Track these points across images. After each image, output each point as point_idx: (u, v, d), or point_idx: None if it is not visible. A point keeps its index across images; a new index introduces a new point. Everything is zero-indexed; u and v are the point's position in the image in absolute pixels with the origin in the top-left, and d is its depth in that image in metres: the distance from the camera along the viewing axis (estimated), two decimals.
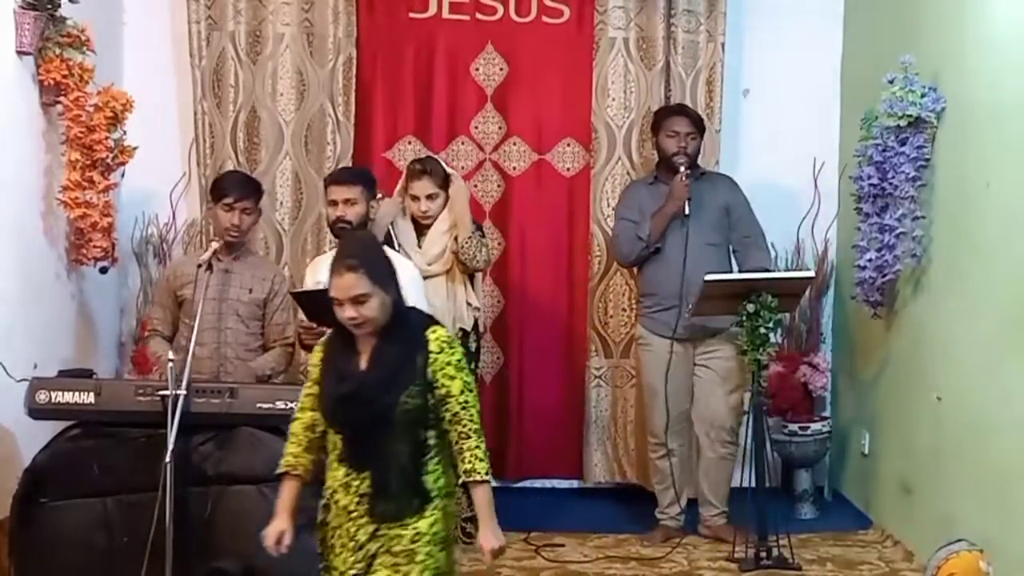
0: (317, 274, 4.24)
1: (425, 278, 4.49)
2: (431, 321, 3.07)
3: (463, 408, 2.97)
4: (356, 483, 2.94)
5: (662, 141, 4.95)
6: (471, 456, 2.96)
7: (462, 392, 2.97)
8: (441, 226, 4.68)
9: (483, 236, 4.79)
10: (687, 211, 4.80)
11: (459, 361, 2.99)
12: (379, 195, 4.58)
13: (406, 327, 3.01)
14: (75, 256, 4.64)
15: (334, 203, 4.18)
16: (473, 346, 4.76)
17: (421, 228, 4.69)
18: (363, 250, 3.05)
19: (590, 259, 5.61)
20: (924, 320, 4.70)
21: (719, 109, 5.54)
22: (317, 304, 4.01)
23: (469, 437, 2.97)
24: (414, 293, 4.17)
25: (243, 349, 4.27)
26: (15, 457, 4.06)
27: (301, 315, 4.24)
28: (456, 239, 4.62)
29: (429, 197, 4.62)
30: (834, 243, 5.60)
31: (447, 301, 4.63)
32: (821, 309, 5.65)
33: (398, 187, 4.78)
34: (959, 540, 3.76)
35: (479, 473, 2.96)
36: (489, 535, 2.97)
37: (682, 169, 4.83)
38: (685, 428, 5.04)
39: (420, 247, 4.66)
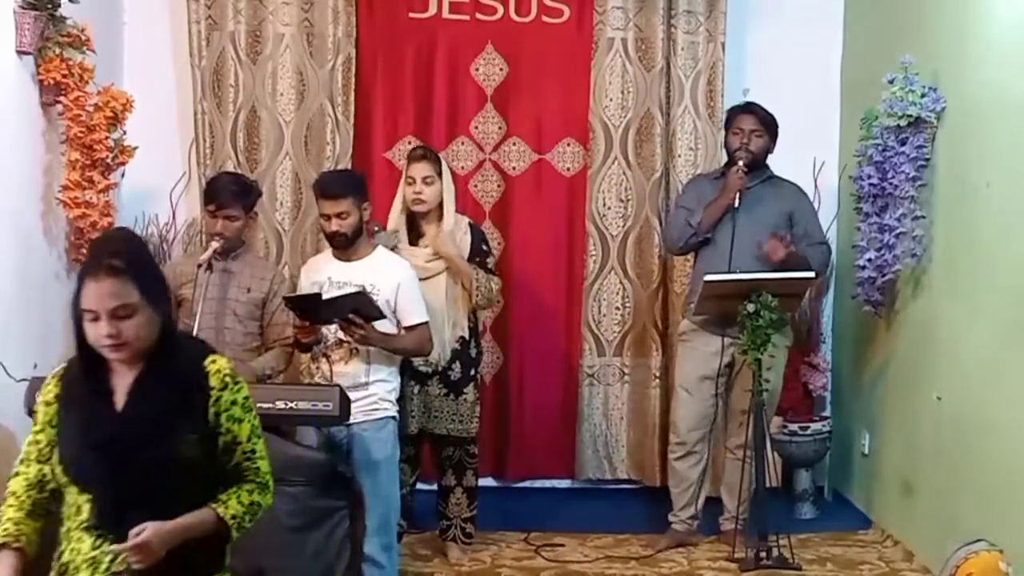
0: (312, 275, 4.22)
1: (424, 278, 4.42)
2: (208, 349, 2.47)
3: (248, 459, 2.41)
4: (109, 559, 2.28)
5: (728, 138, 4.95)
6: (236, 493, 2.38)
7: (250, 438, 2.40)
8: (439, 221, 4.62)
9: (489, 270, 4.68)
10: (737, 204, 4.79)
11: (246, 400, 2.41)
12: (376, 228, 4.50)
13: (177, 355, 2.37)
14: (75, 256, 4.63)
15: (326, 216, 4.11)
16: (474, 352, 4.72)
17: (417, 228, 4.62)
18: (130, 250, 2.37)
19: (585, 258, 5.60)
20: (924, 320, 4.70)
21: (719, 109, 5.53)
22: (310, 308, 4.02)
23: (250, 481, 2.42)
24: (413, 293, 4.16)
25: (241, 349, 4.25)
26: (15, 457, 4.04)
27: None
28: (464, 287, 4.58)
29: (425, 180, 4.55)
30: (834, 243, 5.58)
31: (447, 305, 4.56)
32: (821, 309, 5.65)
33: (401, 183, 4.70)
34: (979, 540, 3.73)
35: (227, 508, 2.36)
36: (155, 535, 2.23)
37: (740, 163, 4.82)
38: (710, 431, 4.95)
39: (418, 245, 4.59)
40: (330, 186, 4.16)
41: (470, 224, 4.74)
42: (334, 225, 4.07)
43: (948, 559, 3.76)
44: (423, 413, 4.60)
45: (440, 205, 4.61)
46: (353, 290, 3.98)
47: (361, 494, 3.80)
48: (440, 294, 4.55)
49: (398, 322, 4.12)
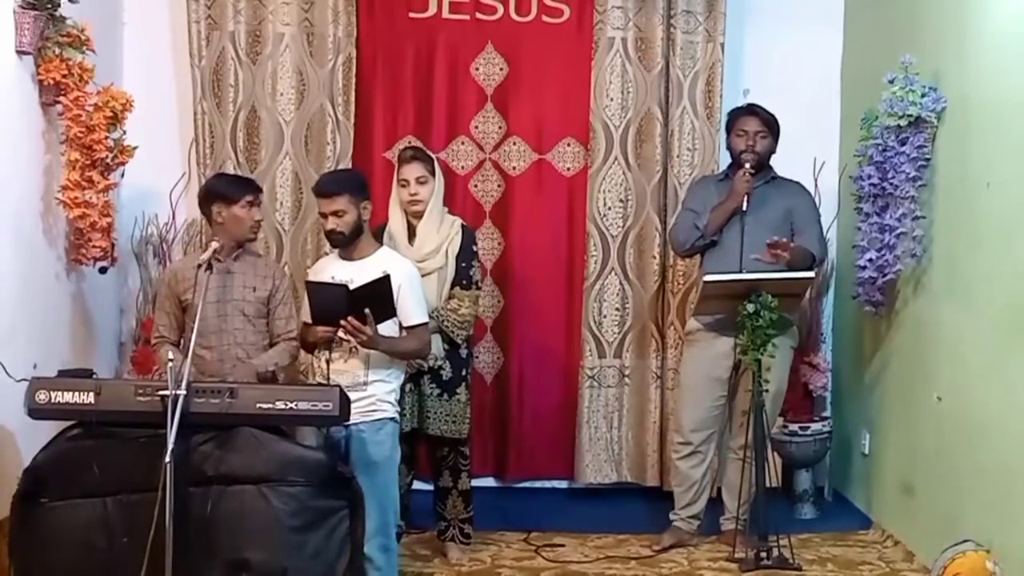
0: (316, 275, 4.22)
1: None
2: None
3: None
4: None
5: (732, 141, 4.94)
6: None
7: None
8: (433, 223, 4.60)
9: (469, 278, 4.63)
10: (744, 207, 4.79)
11: None
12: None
13: None
14: (75, 256, 4.64)
15: (323, 215, 4.14)
16: (464, 353, 4.68)
17: (411, 227, 4.61)
18: None
19: (586, 259, 5.60)
20: (924, 320, 4.70)
21: (719, 109, 5.53)
22: (326, 300, 4.01)
23: None
24: (414, 293, 4.15)
25: (253, 349, 4.25)
26: (15, 457, 4.06)
27: (303, 313, 4.22)
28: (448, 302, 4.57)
29: (419, 180, 4.56)
30: (834, 243, 5.58)
31: (438, 305, 4.56)
32: (821, 309, 5.65)
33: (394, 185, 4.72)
34: (965, 540, 3.76)
35: None
36: None
37: (747, 166, 4.82)
38: (715, 432, 4.94)
39: (412, 245, 4.58)
40: (325, 184, 4.21)
41: (463, 226, 4.71)
42: (330, 223, 4.11)
43: (935, 560, 3.77)
44: (417, 412, 4.58)
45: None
46: (379, 275, 3.94)
47: (361, 494, 3.80)
48: (432, 294, 4.53)
49: (399, 323, 4.11)
